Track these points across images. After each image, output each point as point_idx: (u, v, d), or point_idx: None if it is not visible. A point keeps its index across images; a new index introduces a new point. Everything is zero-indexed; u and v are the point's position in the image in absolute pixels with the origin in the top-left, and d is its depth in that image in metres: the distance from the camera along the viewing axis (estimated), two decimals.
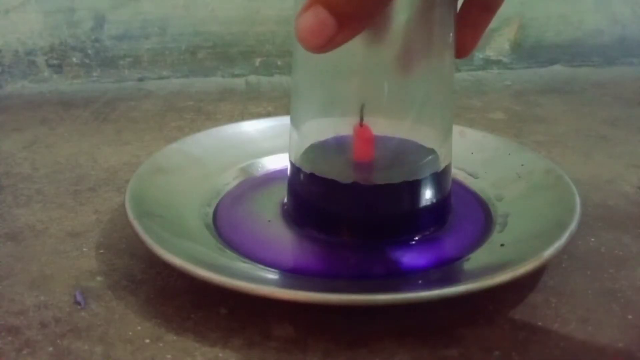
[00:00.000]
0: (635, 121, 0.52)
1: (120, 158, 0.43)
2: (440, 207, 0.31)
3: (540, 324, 0.25)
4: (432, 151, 0.30)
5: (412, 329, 0.25)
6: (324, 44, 0.23)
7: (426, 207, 0.30)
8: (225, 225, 0.31)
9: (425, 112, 0.30)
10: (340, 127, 0.30)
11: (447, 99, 0.31)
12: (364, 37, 0.25)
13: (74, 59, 0.62)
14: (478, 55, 0.68)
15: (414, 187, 0.29)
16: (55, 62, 0.62)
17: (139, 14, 0.62)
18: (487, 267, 0.27)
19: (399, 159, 0.30)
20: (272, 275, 0.27)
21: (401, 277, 0.27)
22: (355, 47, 0.24)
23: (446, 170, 0.31)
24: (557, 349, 0.24)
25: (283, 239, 0.30)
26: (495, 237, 0.30)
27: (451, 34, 0.28)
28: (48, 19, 0.61)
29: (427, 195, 0.30)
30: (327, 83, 0.30)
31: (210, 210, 0.33)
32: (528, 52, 0.69)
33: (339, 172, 0.29)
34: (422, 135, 0.30)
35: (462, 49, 0.28)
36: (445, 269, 0.27)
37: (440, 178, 0.30)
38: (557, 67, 0.69)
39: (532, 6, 0.67)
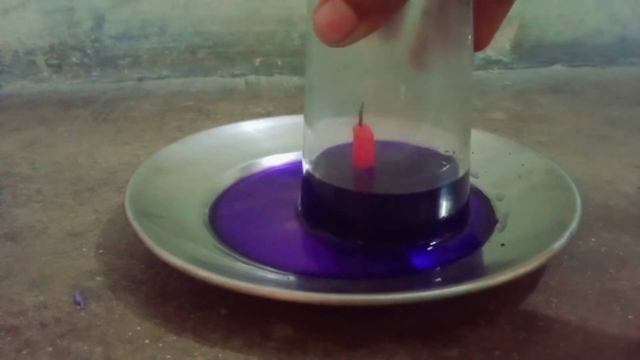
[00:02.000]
0: (636, 121, 0.52)
1: (120, 158, 0.43)
2: (459, 215, 0.30)
3: (540, 324, 0.25)
4: (449, 158, 0.29)
5: (412, 329, 0.25)
6: (343, 38, 0.22)
7: (443, 216, 0.29)
8: (225, 226, 0.31)
9: (443, 112, 0.29)
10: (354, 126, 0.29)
11: (465, 96, 0.30)
12: (380, 32, 0.24)
13: (74, 59, 0.62)
14: (478, 55, 0.67)
15: (430, 197, 0.29)
16: (54, 62, 0.62)
17: (139, 14, 0.62)
18: (487, 267, 0.27)
19: (412, 167, 0.30)
20: (272, 275, 0.26)
21: (401, 277, 0.27)
22: (370, 43, 0.24)
23: (464, 177, 0.30)
24: (557, 349, 0.24)
25: (284, 239, 0.30)
26: (496, 237, 0.29)
27: (468, 29, 0.27)
28: (47, 18, 0.61)
29: (444, 204, 0.29)
30: (341, 81, 0.29)
31: (211, 211, 0.33)
32: (528, 52, 0.69)
33: (345, 178, 0.29)
34: (440, 138, 0.29)
35: (479, 43, 0.28)
36: (446, 269, 0.27)
37: (458, 186, 0.30)
38: (558, 67, 0.69)
39: (533, 6, 0.67)
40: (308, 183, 0.31)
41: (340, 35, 0.22)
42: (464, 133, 0.30)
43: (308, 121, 0.31)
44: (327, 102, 0.30)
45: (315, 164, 0.30)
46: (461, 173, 0.30)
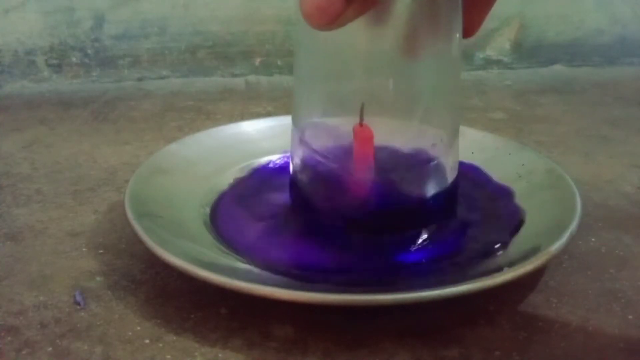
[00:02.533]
0: (636, 121, 0.52)
1: (119, 158, 0.43)
2: (445, 205, 0.30)
3: (540, 324, 0.25)
4: (436, 159, 0.29)
5: (412, 329, 0.25)
6: (332, 21, 0.22)
7: (432, 208, 0.29)
8: (225, 225, 0.31)
9: (431, 108, 0.29)
10: (343, 126, 0.29)
11: (455, 83, 0.30)
12: (369, 18, 0.24)
13: (74, 59, 0.62)
14: (478, 55, 0.67)
15: (418, 196, 0.29)
16: (54, 61, 0.62)
17: (139, 14, 0.62)
18: (487, 267, 0.27)
19: (401, 171, 0.30)
20: (272, 275, 0.26)
21: (401, 277, 0.27)
22: (359, 33, 0.23)
23: (454, 165, 0.30)
24: (557, 349, 0.24)
25: (283, 239, 0.30)
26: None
27: (458, 14, 0.27)
28: (47, 18, 0.61)
29: (432, 198, 0.29)
30: (329, 78, 0.29)
31: (210, 211, 0.32)
32: (528, 52, 0.69)
33: (338, 177, 0.29)
34: (429, 137, 0.29)
35: (468, 29, 0.27)
36: (446, 269, 0.27)
37: (447, 187, 0.30)
38: (558, 67, 0.69)
39: (533, 6, 0.67)
40: (296, 182, 0.31)
41: (328, 19, 0.22)
42: (454, 120, 0.30)
43: (295, 122, 0.30)
44: (315, 101, 0.30)
45: (304, 162, 0.30)
46: (450, 160, 0.29)
